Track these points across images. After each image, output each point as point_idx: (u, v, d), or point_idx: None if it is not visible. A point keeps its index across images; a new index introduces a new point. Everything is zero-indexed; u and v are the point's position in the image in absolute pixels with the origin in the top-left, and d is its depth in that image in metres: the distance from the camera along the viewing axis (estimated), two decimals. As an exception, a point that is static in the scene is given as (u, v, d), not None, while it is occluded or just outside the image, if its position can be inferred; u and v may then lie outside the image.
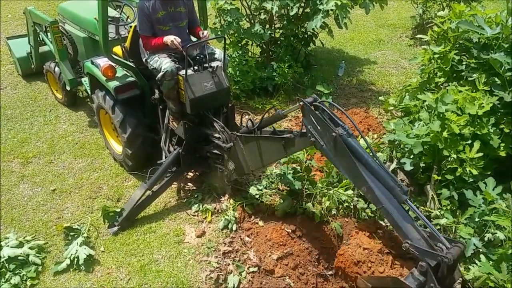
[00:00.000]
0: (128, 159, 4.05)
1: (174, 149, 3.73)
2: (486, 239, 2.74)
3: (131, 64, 3.80)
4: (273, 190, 3.63)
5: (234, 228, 3.41)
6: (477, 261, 2.69)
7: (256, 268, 3.04)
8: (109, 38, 3.74)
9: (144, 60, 3.69)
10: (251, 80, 5.28)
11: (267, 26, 5.52)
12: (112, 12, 4.45)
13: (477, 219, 2.79)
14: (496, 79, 3.09)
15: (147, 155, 4.03)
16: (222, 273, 3.06)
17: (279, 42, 5.73)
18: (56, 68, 5.09)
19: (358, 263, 2.50)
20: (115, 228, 3.55)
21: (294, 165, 3.46)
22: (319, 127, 2.45)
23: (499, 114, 3.08)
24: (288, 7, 5.14)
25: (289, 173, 3.42)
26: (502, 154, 2.98)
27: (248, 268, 3.06)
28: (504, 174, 3.16)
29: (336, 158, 2.44)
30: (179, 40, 3.42)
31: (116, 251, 3.37)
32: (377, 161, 2.32)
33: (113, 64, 3.77)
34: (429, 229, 2.22)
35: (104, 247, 3.41)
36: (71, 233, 3.44)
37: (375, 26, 8.06)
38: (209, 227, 3.52)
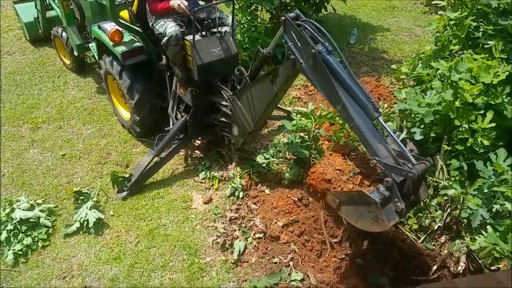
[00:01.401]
0: (136, 126, 4.05)
1: (182, 116, 3.72)
2: (494, 210, 2.72)
3: (138, 28, 3.73)
4: (280, 159, 3.62)
5: (240, 196, 3.43)
6: (483, 232, 2.68)
7: (262, 235, 3.08)
8: (116, 2, 3.66)
9: (150, 24, 3.62)
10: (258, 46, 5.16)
11: (278, -10, 5.34)
12: (119, -25, 4.34)
13: (486, 190, 2.75)
14: (514, 46, 2.99)
15: (155, 121, 4.03)
16: (229, 239, 3.12)
17: (289, 7, 5.56)
18: (64, 33, 5.04)
19: (329, 181, 2.51)
20: (124, 193, 3.61)
21: (301, 134, 3.43)
22: (299, 44, 2.40)
23: (514, 83, 2.99)
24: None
25: (297, 141, 3.39)
26: (516, 124, 2.91)
27: (254, 234, 3.11)
28: (516, 145, 3.10)
29: (314, 75, 2.41)
30: (186, 3, 3.33)
31: (125, 215, 3.44)
32: (352, 78, 2.29)
33: (120, 29, 3.71)
34: (398, 147, 2.21)
35: (114, 211, 3.47)
36: (81, 197, 3.51)
37: (389, -8, 7.78)
38: (216, 194, 3.56)
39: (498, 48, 3.02)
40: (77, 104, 4.84)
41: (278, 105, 3.79)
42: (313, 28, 2.37)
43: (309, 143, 3.35)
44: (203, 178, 3.71)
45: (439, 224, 2.99)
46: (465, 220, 2.90)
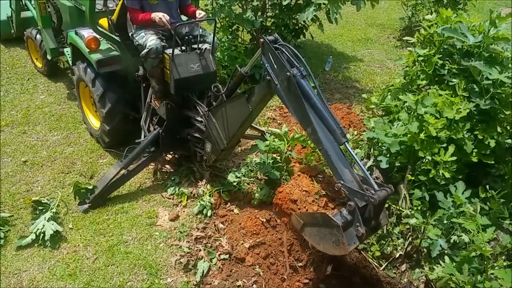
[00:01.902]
0: (105, 136, 3.97)
1: (154, 129, 3.68)
2: (452, 241, 2.83)
3: (116, 38, 3.70)
4: (252, 179, 3.63)
5: (208, 214, 3.40)
6: (441, 262, 2.77)
7: (227, 256, 3.05)
8: (96, 10, 3.63)
9: (130, 35, 3.61)
10: (239, 67, 5.23)
11: (259, 13, 5.47)
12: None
13: (445, 221, 2.87)
14: (475, 86, 3.16)
15: (125, 132, 3.97)
16: (193, 259, 3.06)
17: (269, 31, 5.70)
18: (38, 36, 4.93)
19: (295, 201, 2.55)
20: (86, 206, 3.50)
21: (274, 155, 3.47)
22: (275, 66, 2.49)
23: (474, 120, 3.15)
24: (281, -3, 5.11)
25: (269, 162, 3.43)
26: (474, 159, 3.06)
27: (219, 255, 3.07)
28: (475, 179, 3.25)
29: (287, 97, 2.50)
30: (168, 17, 3.35)
31: (85, 229, 3.32)
32: (323, 103, 2.39)
33: (98, 37, 3.67)
34: (362, 173, 2.28)
35: (73, 224, 3.35)
36: (39, 208, 3.37)
37: (364, 25, 8.12)
38: (184, 211, 3.51)
39: (461, 87, 3.20)
40: (45, 109, 4.70)
41: (253, 125, 3.83)
42: (289, 52, 2.47)
43: (281, 164, 3.39)
44: (171, 194, 3.65)
45: (401, 253, 3.07)
46: (425, 250, 3.00)
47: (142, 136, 3.76)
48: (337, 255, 2.35)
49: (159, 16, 3.32)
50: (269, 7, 5.62)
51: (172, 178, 3.79)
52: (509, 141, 3.28)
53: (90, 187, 3.50)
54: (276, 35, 2.58)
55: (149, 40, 3.38)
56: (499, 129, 3.09)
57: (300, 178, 2.77)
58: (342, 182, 2.23)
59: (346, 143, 2.32)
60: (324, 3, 4.77)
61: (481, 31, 3.17)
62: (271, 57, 2.51)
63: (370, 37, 7.59)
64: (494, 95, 3.03)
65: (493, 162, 3.12)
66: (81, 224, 3.36)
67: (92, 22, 3.51)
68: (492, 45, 3.12)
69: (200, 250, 3.11)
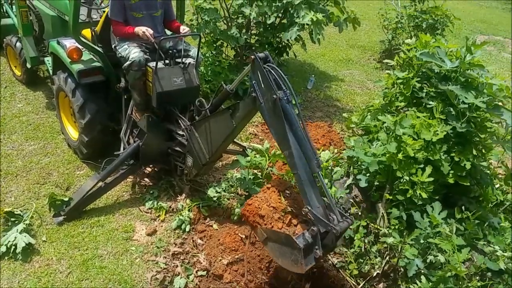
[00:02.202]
0: (83, 147, 3.90)
1: (134, 141, 3.64)
2: (428, 261, 2.87)
3: (99, 49, 3.68)
4: (232, 194, 3.62)
5: (187, 229, 3.36)
6: (418, 282, 2.80)
7: (205, 272, 3.01)
8: (80, 20, 3.61)
9: (113, 46, 3.59)
10: (222, 82, 5.27)
11: (244, 30, 5.55)
12: (86, -6, 4.31)
13: (422, 241, 2.91)
14: (451, 109, 3.26)
15: (104, 144, 3.91)
16: (169, 275, 3.00)
17: (253, 48, 5.76)
18: (18, 44, 4.84)
19: (262, 216, 2.61)
20: (61, 218, 3.40)
21: (255, 171, 3.48)
22: (263, 85, 2.51)
23: (451, 142, 3.24)
24: (266, 16, 5.19)
25: (250, 178, 3.43)
26: (451, 181, 3.13)
27: (196, 272, 3.02)
28: (451, 200, 3.33)
29: (270, 118, 2.54)
30: (151, 31, 3.35)
31: (59, 242, 3.22)
32: (304, 131, 2.46)
33: (80, 47, 3.64)
34: (328, 201, 2.42)
35: (47, 236, 3.25)
36: (12, 219, 3.26)
37: (346, 46, 8.31)
38: (161, 226, 3.45)
39: (438, 109, 3.29)
40: (22, 118, 4.59)
41: (235, 140, 3.83)
42: (277, 74, 2.48)
43: (262, 180, 3.39)
44: (149, 208, 3.59)
45: (378, 271, 3.08)
46: (402, 269, 3.02)
47: (122, 148, 3.71)
48: (295, 272, 2.48)
49: (143, 30, 3.32)
50: (254, 25, 5.71)
51: (151, 192, 3.73)
52: (484, 163, 3.38)
53: (66, 199, 3.41)
54: (267, 53, 2.60)
55: (132, 52, 3.37)
56: (474, 152, 3.18)
57: (269, 192, 2.81)
58: (309, 208, 2.35)
59: (319, 172, 2.44)
60: (307, 24, 4.87)
61: (458, 56, 3.28)
62: (259, 76, 2.52)
63: (351, 58, 7.77)
64: (470, 118, 3.12)
65: (468, 183, 3.20)
66: (55, 237, 3.26)
67: (75, 32, 3.48)
68: (468, 70, 3.23)
69: (177, 266, 3.06)
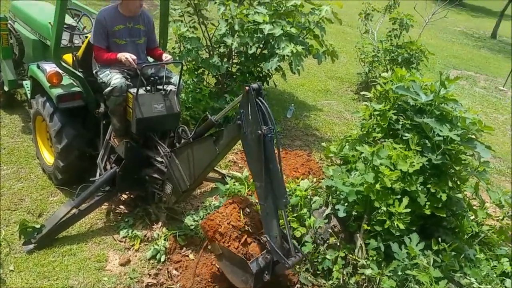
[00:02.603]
0: (59, 172, 3.80)
1: (111, 167, 3.57)
2: (406, 292, 2.86)
3: (79, 74, 3.65)
4: (209, 223, 3.55)
5: (162, 259, 3.26)
6: (396, 314, 2.78)
7: (180, 304, 2.91)
8: (61, 45, 3.59)
9: (94, 72, 3.58)
10: (202, 109, 5.29)
11: (225, 59, 5.63)
12: (69, 20, 4.31)
13: (400, 273, 2.91)
14: (427, 141, 3.34)
15: (80, 170, 3.82)
16: (143, 307, 2.89)
17: (234, 76, 5.84)
18: (-4, 66, 4.77)
19: (221, 234, 2.71)
20: (31, 246, 3.26)
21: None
22: (250, 117, 2.55)
23: (427, 174, 3.31)
24: (247, 46, 5.29)
25: (228, 207, 3.38)
26: (427, 212, 3.18)
27: (171, 304, 2.92)
28: (427, 231, 3.36)
29: (250, 148, 2.60)
30: (134, 57, 3.36)
31: (28, 271, 3.08)
32: (280, 171, 2.56)
33: (60, 72, 3.61)
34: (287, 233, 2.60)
35: (14, 266, 3.10)
36: (-22, 247, 3.11)
37: (324, 77, 8.51)
38: (136, 256, 3.34)
39: (414, 141, 3.37)
40: (-4, 141, 4.46)
41: (214, 167, 3.81)
42: (266, 109, 2.52)
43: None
44: (124, 237, 3.49)
45: (356, 303, 3.05)
46: (380, 300, 3.00)
47: (98, 175, 3.63)
48: None
49: (126, 56, 3.33)
50: (235, 54, 5.80)
51: (126, 220, 3.64)
52: (459, 195, 3.46)
53: (38, 226, 3.28)
54: (260, 84, 2.63)
55: (114, 78, 3.36)
56: (450, 184, 3.25)
57: (230, 207, 2.87)
58: (267, 238, 2.53)
59: (284, 210, 2.59)
60: (287, 55, 4.99)
61: (432, 90, 3.40)
62: (249, 107, 2.56)
63: (330, 89, 7.95)
64: (445, 151, 3.21)
65: (445, 215, 3.25)
66: (24, 266, 3.11)
67: (56, 56, 3.46)
68: (442, 104, 3.35)
69: (151, 298, 2.95)
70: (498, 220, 3.93)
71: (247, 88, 2.54)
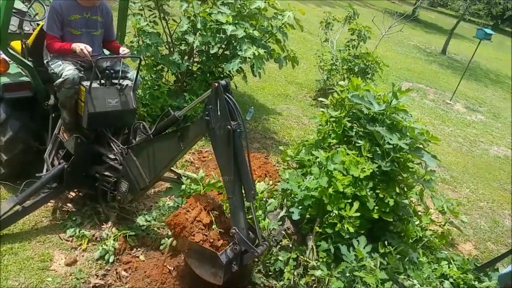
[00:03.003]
0: (1, 166, 3.58)
1: (59, 163, 3.40)
2: (353, 294, 2.96)
3: (29, 63, 3.46)
4: (163, 223, 3.48)
5: (111, 260, 3.15)
6: (343, 315, 2.86)
7: (128, 306, 2.83)
8: (10, 31, 3.39)
9: (45, 62, 3.41)
10: (160, 106, 5.18)
11: (186, 57, 5.55)
12: (19, 5, 4.08)
13: (348, 274, 3.00)
14: (378, 149, 3.48)
15: (25, 164, 3.61)
16: (89, 308, 2.78)
17: (195, 75, 5.77)
18: None
19: (187, 229, 2.74)
20: (-33, 244, 3.05)
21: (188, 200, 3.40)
22: (219, 113, 2.59)
23: (376, 180, 3.44)
24: (209, 45, 5.26)
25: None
26: (376, 216, 3.30)
27: (119, 305, 2.83)
28: (375, 235, 3.49)
29: (218, 144, 2.65)
30: (90, 49, 3.23)
31: (-38, 271, 2.87)
32: (247, 164, 2.63)
33: (7, 59, 3.40)
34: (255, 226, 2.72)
35: None
36: None
37: (284, 82, 8.63)
38: (83, 256, 3.21)
39: (365, 148, 3.50)
40: None
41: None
42: (234, 105, 2.57)
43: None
44: (71, 236, 3.33)
45: (306, 304, 3.11)
46: (328, 301, 3.07)
47: (44, 170, 3.45)
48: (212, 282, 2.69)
49: (81, 47, 3.19)
50: (197, 53, 5.74)
51: (73, 218, 3.48)
52: (406, 201, 3.62)
53: (-25, 223, 3.07)
54: (228, 81, 2.67)
55: (66, 69, 3.22)
56: (397, 190, 3.39)
57: (194, 204, 2.88)
58: (236, 230, 2.61)
59: (252, 202, 2.67)
60: (249, 57, 5.01)
61: (385, 100, 3.55)
62: (218, 103, 2.59)
63: (289, 93, 8.07)
64: (394, 158, 3.35)
65: (391, 219, 3.39)
66: (-44, 266, 2.89)
67: (3, 43, 3.25)
68: (393, 114, 3.50)
69: (97, 299, 2.85)
70: (440, 226, 4.17)
71: (216, 84, 2.57)
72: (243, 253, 2.64)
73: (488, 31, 10.32)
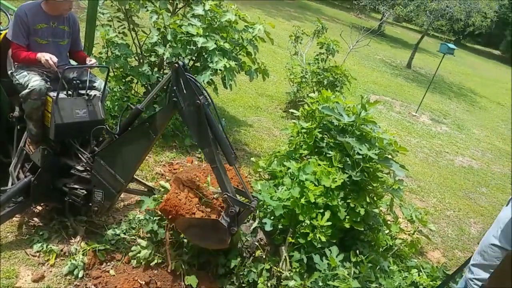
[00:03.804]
0: (-38, 180, 3.40)
1: (25, 176, 3.28)
2: (326, 302, 2.98)
3: (-8, 74, 3.34)
4: (133, 237, 3.41)
5: (80, 275, 3.05)
6: (316, 324, 2.88)
7: (98, 322, 2.74)
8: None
9: (9, 72, 3.30)
10: (128, 103, 5.09)
11: (156, 69, 5.51)
12: (-20, 13, 3.95)
13: (321, 283, 3.04)
14: (348, 159, 3.57)
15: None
16: (56, 326, 2.67)
17: (165, 87, 5.72)
18: None
19: (184, 209, 2.90)
20: None
21: (159, 212, 3.35)
22: (185, 91, 2.71)
23: (347, 189, 3.52)
24: (180, 57, 5.25)
25: (154, 219, 3.29)
26: (347, 225, 3.37)
27: (88, 322, 2.73)
28: (346, 244, 3.56)
29: (191, 120, 2.76)
30: (56, 59, 3.16)
31: None
32: (222, 130, 2.79)
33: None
34: (243, 188, 2.95)
35: None
36: None
37: (255, 94, 8.71)
38: (51, 271, 3.08)
39: (336, 159, 3.58)
40: None
41: (140, 180, 3.69)
42: (195, 81, 2.73)
43: (167, 222, 3.28)
44: (38, 251, 3.19)
45: (279, 315, 3.11)
46: (302, 312, 3.09)
47: (10, 184, 3.32)
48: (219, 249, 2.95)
49: (46, 57, 3.11)
50: (167, 64, 5.72)
51: (40, 233, 3.34)
52: (376, 210, 3.71)
53: None
54: (185, 61, 2.74)
55: (32, 80, 3.13)
56: (368, 199, 3.48)
57: (177, 185, 3.02)
58: (228, 194, 2.76)
59: (235, 165, 2.85)
60: (220, 69, 5.04)
61: (354, 112, 3.66)
62: (182, 82, 2.70)
63: (260, 105, 8.15)
64: (364, 168, 3.44)
65: (362, 228, 3.47)
66: None
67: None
68: (362, 125, 3.61)
69: (65, 317, 2.74)
70: (409, 234, 4.30)
71: (176, 65, 2.71)
72: (238, 214, 2.81)
73: (451, 45, 10.82)
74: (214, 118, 2.74)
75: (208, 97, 2.78)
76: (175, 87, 2.74)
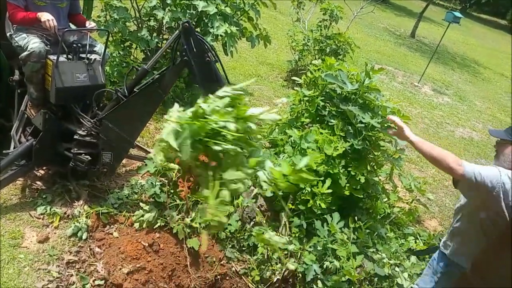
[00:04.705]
0: (-36, 144, 3.41)
1: (27, 140, 3.28)
2: (324, 266, 3.07)
3: (-10, 36, 3.28)
4: (136, 201, 3.46)
5: (84, 237, 3.11)
6: (315, 286, 2.98)
7: (103, 281, 2.83)
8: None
9: (8, 35, 3.23)
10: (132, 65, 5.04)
11: (155, 34, 5.41)
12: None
13: (319, 248, 3.12)
14: (350, 128, 3.57)
15: (-10, 142, 3.46)
16: (63, 284, 2.76)
17: (164, 53, 5.64)
18: None
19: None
20: None
21: (162, 179, 3.39)
22: (195, 50, 2.77)
23: (348, 158, 3.54)
24: (179, 21, 5.13)
25: (156, 184, 3.32)
26: (347, 193, 3.41)
27: (93, 281, 2.82)
28: (345, 211, 3.61)
29: (203, 76, 2.82)
30: (56, 23, 3.09)
31: None
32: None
33: (-35, 31, 3.21)
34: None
35: None
36: None
37: (256, 62, 8.59)
38: (55, 233, 3.15)
39: (338, 127, 3.58)
40: None
41: (141, 146, 3.70)
42: (203, 39, 2.81)
43: (168, 188, 3.32)
44: (42, 214, 3.24)
45: (278, 277, 3.21)
46: (300, 274, 3.18)
47: (12, 147, 3.32)
48: None
49: (47, 18, 3.05)
50: (166, 29, 5.60)
51: (44, 196, 3.38)
52: (375, 178, 3.75)
53: None
54: (189, 20, 2.81)
55: (32, 42, 3.08)
56: (368, 167, 3.51)
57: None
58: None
59: None
60: (221, 35, 4.94)
61: (357, 80, 3.62)
62: (192, 41, 2.75)
63: (261, 74, 8.05)
64: (366, 137, 3.45)
65: (362, 196, 3.51)
66: None
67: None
68: (366, 93, 3.58)
69: (71, 275, 2.82)
70: (407, 203, 4.37)
71: (187, 24, 2.74)
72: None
73: (457, 14, 10.59)
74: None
75: (215, 55, 2.85)
76: (185, 46, 2.77)
